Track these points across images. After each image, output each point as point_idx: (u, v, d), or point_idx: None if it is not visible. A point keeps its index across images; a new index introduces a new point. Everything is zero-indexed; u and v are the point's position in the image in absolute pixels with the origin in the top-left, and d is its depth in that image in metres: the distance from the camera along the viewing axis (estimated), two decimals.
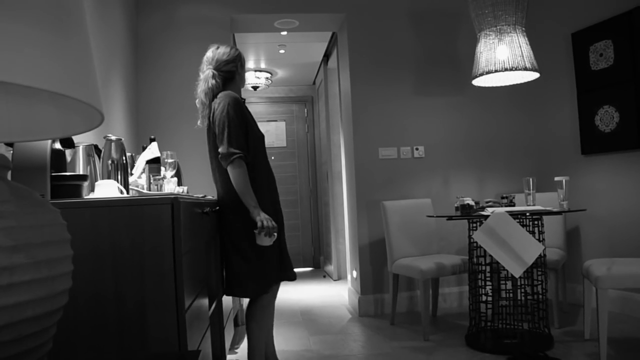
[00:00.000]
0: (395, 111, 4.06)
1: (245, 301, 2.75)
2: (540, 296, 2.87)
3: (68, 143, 1.73)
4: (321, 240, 6.81)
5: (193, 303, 1.64)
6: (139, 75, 3.82)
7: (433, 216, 3.29)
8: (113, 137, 1.89)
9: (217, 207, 2.42)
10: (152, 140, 2.33)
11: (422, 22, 4.13)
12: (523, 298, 2.89)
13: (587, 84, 3.71)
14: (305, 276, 6.11)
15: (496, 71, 3.11)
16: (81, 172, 1.80)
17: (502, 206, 3.03)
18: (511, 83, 3.44)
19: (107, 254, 1.40)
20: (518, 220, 2.77)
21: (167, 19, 3.88)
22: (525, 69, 3.09)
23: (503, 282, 2.94)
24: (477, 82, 3.35)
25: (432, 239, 3.73)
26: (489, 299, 3.06)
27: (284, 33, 4.55)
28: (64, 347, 1.34)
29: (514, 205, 3.08)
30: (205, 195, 2.50)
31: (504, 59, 3.10)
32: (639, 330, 3.06)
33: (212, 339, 2.17)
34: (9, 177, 1.05)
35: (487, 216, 2.77)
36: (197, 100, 2.46)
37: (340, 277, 5.62)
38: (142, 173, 2.21)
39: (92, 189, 1.76)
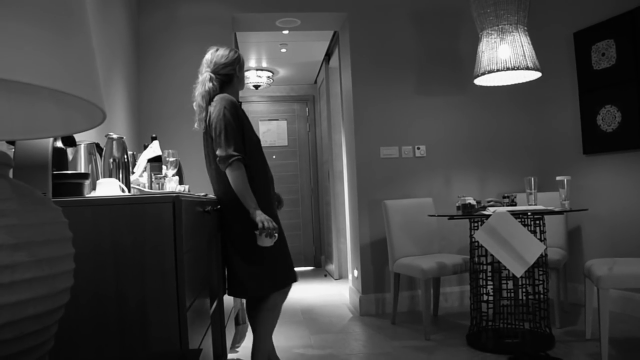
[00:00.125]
0: (396, 110, 4.06)
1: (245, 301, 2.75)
2: (542, 296, 2.87)
3: (70, 141, 1.73)
4: (322, 240, 6.81)
5: (194, 302, 1.64)
6: (141, 73, 3.82)
7: (434, 215, 3.29)
8: (115, 136, 1.89)
9: (218, 206, 2.42)
10: (153, 138, 2.33)
11: (424, 21, 4.13)
12: (524, 298, 2.89)
13: (589, 84, 3.70)
14: (306, 275, 6.11)
15: (498, 70, 3.10)
16: (83, 171, 1.80)
17: (503, 206, 3.03)
18: (513, 82, 3.43)
19: (109, 253, 1.40)
20: (519, 220, 2.77)
21: (169, 18, 3.89)
22: (527, 68, 3.09)
23: (504, 281, 2.94)
24: (478, 81, 3.35)
25: (434, 238, 3.72)
26: (490, 298, 3.06)
27: (286, 32, 4.55)
28: (65, 345, 1.34)
29: (515, 205, 3.08)
30: (206, 194, 2.50)
31: (505, 58, 3.09)
32: None
33: (213, 338, 2.17)
34: (10, 175, 1.05)
35: (489, 216, 2.76)
36: (194, 103, 2.47)
37: (342, 276, 5.62)
38: (143, 172, 2.21)
39: (93, 188, 1.76)
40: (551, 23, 4.04)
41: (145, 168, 2.20)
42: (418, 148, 4.05)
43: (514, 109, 4.20)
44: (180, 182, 2.64)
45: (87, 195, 1.60)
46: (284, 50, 5.48)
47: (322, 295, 4.79)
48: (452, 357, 2.78)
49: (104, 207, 1.41)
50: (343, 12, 4.06)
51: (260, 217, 2.26)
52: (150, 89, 3.82)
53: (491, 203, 3.08)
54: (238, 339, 3.34)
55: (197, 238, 1.77)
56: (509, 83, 3.44)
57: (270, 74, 6.32)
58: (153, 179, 2.11)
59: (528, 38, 3.17)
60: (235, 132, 2.31)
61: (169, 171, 2.27)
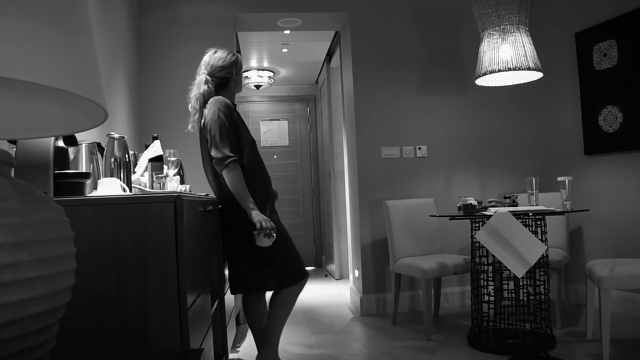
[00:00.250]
0: (397, 110, 4.06)
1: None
2: (543, 296, 2.87)
3: (71, 141, 1.73)
4: (323, 240, 6.81)
5: (195, 301, 1.64)
6: (142, 73, 3.82)
7: (436, 216, 3.29)
8: (116, 135, 1.89)
9: (220, 206, 2.42)
10: (154, 138, 2.33)
11: (425, 21, 4.13)
12: (525, 298, 2.89)
13: (590, 84, 3.70)
14: None
15: (499, 71, 3.10)
16: (84, 170, 1.80)
17: (504, 206, 3.03)
18: (514, 83, 3.43)
19: (110, 252, 1.40)
20: (521, 220, 2.77)
21: (170, 18, 3.89)
22: (529, 68, 3.08)
23: (505, 282, 2.93)
24: (480, 81, 3.35)
25: (435, 238, 3.72)
26: (491, 298, 3.05)
27: (287, 32, 4.55)
28: (66, 344, 1.34)
29: (516, 205, 3.08)
30: (207, 194, 2.50)
31: (507, 58, 3.09)
32: None
33: (214, 338, 2.17)
34: (12, 174, 1.05)
35: (490, 216, 2.76)
36: (189, 105, 2.48)
37: (342, 276, 5.62)
38: (144, 171, 2.21)
39: (94, 187, 1.76)
40: (553, 23, 4.04)
41: (146, 168, 2.20)
42: (419, 148, 4.05)
43: (515, 110, 4.19)
44: (182, 182, 2.64)
45: (88, 195, 1.60)
46: (285, 50, 5.48)
47: (323, 295, 4.79)
48: (453, 357, 2.78)
49: (106, 207, 1.41)
50: (344, 12, 4.06)
51: (258, 217, 2.27)
52: (151, 89, 3.82)
53: (492, 203, 3.08)
54: (239, 339, 3.33)
55: (198, 238, 1.77)
56: (511, 83, 3.44)
57: (271, 74, 6.32)
58: (154, 179, 2.11)
59: (529, 38, 3.17)
60: (230, 134, 2.32)
61: (170, 171, 2.27)
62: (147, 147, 2.31)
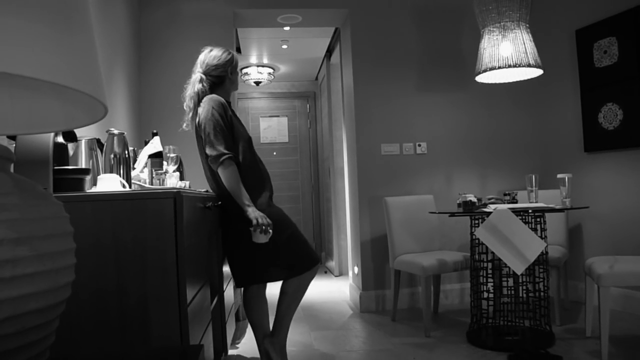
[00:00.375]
0: (397, 107, 4.05)
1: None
2: (542, 293, 2.87)
3: (70, 137, 1.72)
4: (323, 236, 6.81)
5: (195, 297, 1.64)
6: (142, 69, 3.81)
7: (435, 212, 3.29)
8: (115, 131, 1.88)
9: (219, 202, 2.42)
10: (154, 134, 2.33)
11: (426, 18, 4.12)
12: (525, 295, 2.89)
13: (590, 81, 3.69)
14: None
15: (499, 68, 3.10)
16: (83, 166, 1.80)
17: (504, 203, 3.03)
18: (514, 80, 3.42)
19: (110, 248, 1.40)
20: (520, 217, 2.77)
21: (170, 14, 3.88)
22: (529, 65, 3.08)
23: (505, 279, 2.94)
24: (480, 78, 3.34)
25: (434, 235, 3.72)
26: (491, 295, 3.06)
27: (287, 28, 4.54)
28: (66, 340, 1.34)
29: (516, 202, 3.08)
30: (207, 190, 2.50)
31: (507, 55, 3.08)
32: None
33: (213, 334, 2.17)
34: (11, 169, 1.04)
35: (490, 213, 2.76)
36: (184, 104, 2.49)
37: (342, 273, 5.62)
38: (144, 167, 2.21)
39: (94, 183, 1.76)
40: (553, 20, 4.03)
41: (146, 164, 2.20)
42: (419, 145, 4.05)
43: (515, 107, 4.19)
44: (181, 178, 2.64)
45: (87, 191, 1.60)
46: (285, 46, 5.47)
47: (323, 292, 4.79)
48: (452, 354, 2.78)
49: (105, 203, 1.41)
50: (344, 8, 4.06)
51: (254, 214, 2.27)
52: (151, 85, 3.81)
53: (492, 200, 3.08)
54: (238, 335, 3.34)
55: (198, 234, 1.77)
56: (511, 80, 3.43)
57: (271, 71, 6.31)
58: (154, 175, 2.11)
59: (530, 35, 3.16)
60: (224, 131, 2.33)
61: (169, 167, 2.27)
62: (146, 143, 2.31)
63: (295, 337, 3.25)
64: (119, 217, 1.41)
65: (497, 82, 3.46)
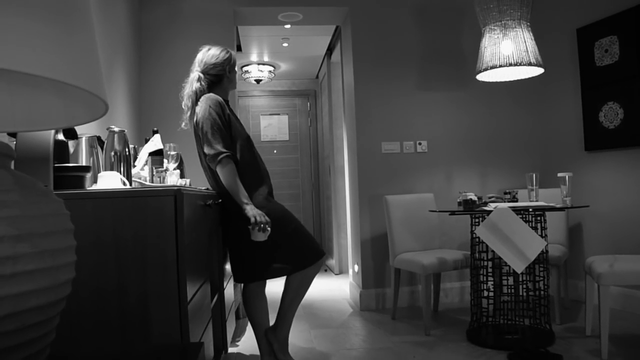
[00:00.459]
0: (398, 106, 4.05)
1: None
2: (542, 292, 2.87)
3: (71, 134, 1.72)
4: (323, 234, 6.81)
5: (195, 295, 1.64)
6: (142, 67, 3.81)
7: (435, 211, 3.28)
8: (116, 129, 1.88)
9: (220, 200, 2.42)
10: (155, 132, 2.33)
11: (427, 16, 4.11)
12: (525, 294, 2.89)
13: (591, 80, 3.69)
14: None
15: (500, 66, 3.09)
16: (84, 164, 1.80)
17: (504, 202, 3.03)
18: (515, 78, 3.42)
19: (110, 246, 1.40)
20: (521, 216, 2.77)
21: (170, 12, 3.87)
22: (530, 64, 3.08)
23: (505, 277, 2.94)
24: (481, 77, 3.34)
25: (434, 233, 3.72)
26: (491, 294, 3.06)
27: (288, 26, 4.53)
28: (66, 338, 1.34)
29: (516, 201, 3.08)
30: (208, 188, 2.50)
31: (508, 54, 3.08)
32: None
33: (213, 332, 2.18)
34: (12, 167, 1.04)
35: (490, 211, 2.76)
36: (182, 103, 2.50)
37: (342, 271, 5.63)
38: (144, 165, 2.21)
39: (94, 181, 1.76)
40: (554, 19, 4.03)
41: (146, 161, 2.20)
42: (419, 143, 4.05)
43: (516, 105, 4.19)
44: (182, 176, 2.64)
45: (88, 188, 1.60)
46: (285, 44, 5.47)
47: (323, 290, 4.79)
48: (452, 352, 2.78)
49: (106, 200, 1.41)
50: (345, 6, 4.05)
51: (252, 211, 2.27)
52: (151, 83, 3.81)
53: (492, 199, 3.08)
54: (238, 333, 3.34)
55: (198, 231, 1.77)
56: (512, 79, 3.43)
57: (271, 69, 6.31)
58: (154, 173, 2.11)
59: (531, 34, 3.16)
60: (221, 130, 2.34)
61: (170, 165, 2.27)
62: (147, 141, 2.31)
63: (295, 335, 3.26)
64: (120, 215, 1.41)
65: (498, 80, 3.45)
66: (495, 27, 3.16)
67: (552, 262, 3.20)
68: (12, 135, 1.47)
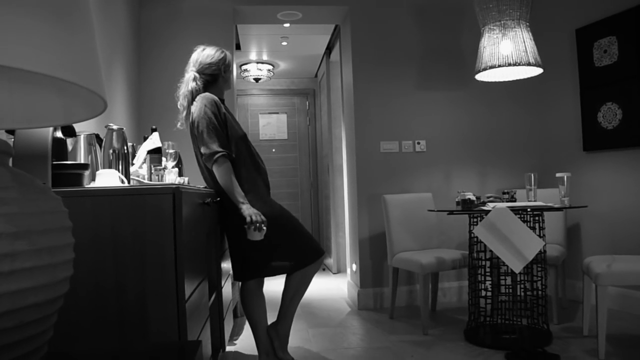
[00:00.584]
0: (397, 105, 4.05)
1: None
2: (540, 292, 2.87)
3: (69, 132, 1.72)
4: (321, 233, 6.81)
5: (193, 293, 1.64)
6: (141, 65, 3.81)
7: (434, 210, 3.28)
8: (115, 127, 1.88)
9: (218, 198, 2.42)
10: (153, 130, 2.33)
11: (426, 16, 4.11)
12: (522, 294, 2.89)
13: (590, 81, 3.69)
14: None
15: (499, 66, 3.10)
16: (82, 161, 1.80)
17: (503, 201, 3.03)
18: (514, 78, 3.42)
19: (108, 244, 1.39)
20: (519, 216, 2.77)
21: (170, 11, 3.87)
22: (529, 64, 3.08)
23: (503, 277, 2.94)
24: (480, 76, 3.34)
25: (433, 233, 3.73)
26: (489, 294, 3.06)
27: (287, 25, 4.53)
28: (64, 335, 1.33)
29: (515, 201, 3.08)
30: (206, 186, 2.50)
31: (507, 53, 3.08)
32: (638, 327, 3.06)
33: (211, 330, 2.17)
34: (10, 164, 1.04)
35: (488, 211, 2.76)
36: (178, 103, 2.50)
37: (340, 270, 5.63)
38: (143, 163, 2.21)
39: (93, 178, 1.75)
40: (553, 19, 4.03)
41: (144, 159, 2.20)
42: (418, 143, 4.05)
43: (514, 105, 4.19)
44: (180, 174, 2.64)
45: (86, 186, 1.60)
46: (284, 43, 5.46)
47: (321, 289, 4.79)
48: (449, 352, 2.79)
49: (104, 198, 1.41)
50: (344, 5, 4.05)
51: (248, 211, 2.28)
52: (150, 81, 3.81)
53: (491, 199, 3.08)
54: (236, 332, 3.34)
55: (196, 230, 1.77)
56: (510, 79, 3.43)
57: (270, 67, 6.30)
58: (153, 171, 2.11)
59: (530, 34, 3.16)
60: (217, 129, 2.34)
61: (168, 163, 2.27)
62: (145, 139, 2.31)
63: (293, 334, 3.25)
64: (118, 213, 1.41)
65: (497, 80, 3.46)
66: (495, 27, 3.16)
67: (550, 262, 3.20)
68: (11, 132, 1.47)
